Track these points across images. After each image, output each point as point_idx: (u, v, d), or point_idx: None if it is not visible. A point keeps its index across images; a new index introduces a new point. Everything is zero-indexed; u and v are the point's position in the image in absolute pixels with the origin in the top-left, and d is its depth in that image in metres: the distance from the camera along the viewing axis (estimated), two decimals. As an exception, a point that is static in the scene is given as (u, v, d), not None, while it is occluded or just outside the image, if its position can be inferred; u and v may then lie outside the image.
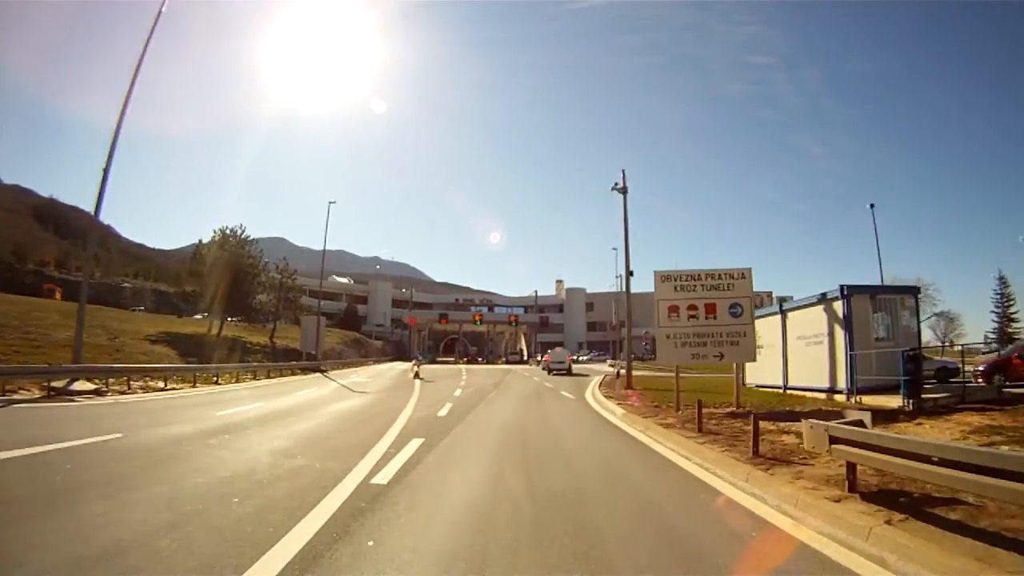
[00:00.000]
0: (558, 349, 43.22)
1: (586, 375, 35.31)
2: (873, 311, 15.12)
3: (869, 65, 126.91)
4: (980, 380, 15.52)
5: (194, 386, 19.18)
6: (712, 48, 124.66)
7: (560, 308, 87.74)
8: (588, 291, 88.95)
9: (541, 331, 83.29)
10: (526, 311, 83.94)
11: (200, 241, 38.87)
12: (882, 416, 9.28)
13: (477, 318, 62.95)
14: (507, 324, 66.98)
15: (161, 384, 17.62)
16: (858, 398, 13.28)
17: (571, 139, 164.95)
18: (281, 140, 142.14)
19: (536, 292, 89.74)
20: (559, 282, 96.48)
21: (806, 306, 16.85)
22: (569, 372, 37.57)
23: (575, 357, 62.78)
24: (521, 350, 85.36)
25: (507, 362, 60.35)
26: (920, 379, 11.69)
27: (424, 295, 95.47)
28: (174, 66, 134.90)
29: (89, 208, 16.31)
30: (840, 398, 14.12)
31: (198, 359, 27.43)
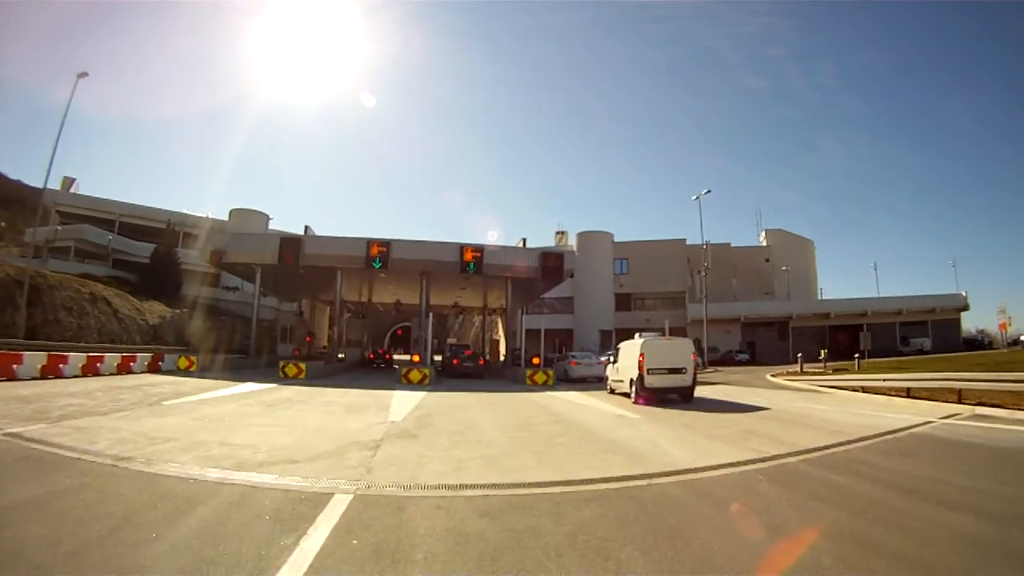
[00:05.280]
0: (647, 335, 15.29)
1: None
2: None
3: (883, 57, 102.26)
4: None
5: None
6: (726, 40, 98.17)
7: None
8: (617, 239, 50.47)
9: (532, 311, 44.31)
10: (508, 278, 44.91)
11: None
12: None
13: (375, 252, 23.58)
14: (457, 279, 28.25)
15: None
16: None
17: (573, 138, 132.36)
18: (264, 133, 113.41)
19: (524, 241, 50.30)
20: (560, 234, 57.56)
21: None
22: (691, 395, 14.09)
23: (590, 356, 28.73)
24: (495, 341, 47.28)
25: (444, 368, 23.32)
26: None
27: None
28: (163, 55, 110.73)
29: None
30: None
31: None
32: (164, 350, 23.42)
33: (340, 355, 32.90)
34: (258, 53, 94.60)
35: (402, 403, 11.93)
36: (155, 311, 31.16)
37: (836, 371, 24.43)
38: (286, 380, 17.56)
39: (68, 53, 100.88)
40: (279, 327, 33.73)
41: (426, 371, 18.81)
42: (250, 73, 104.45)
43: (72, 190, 54.26)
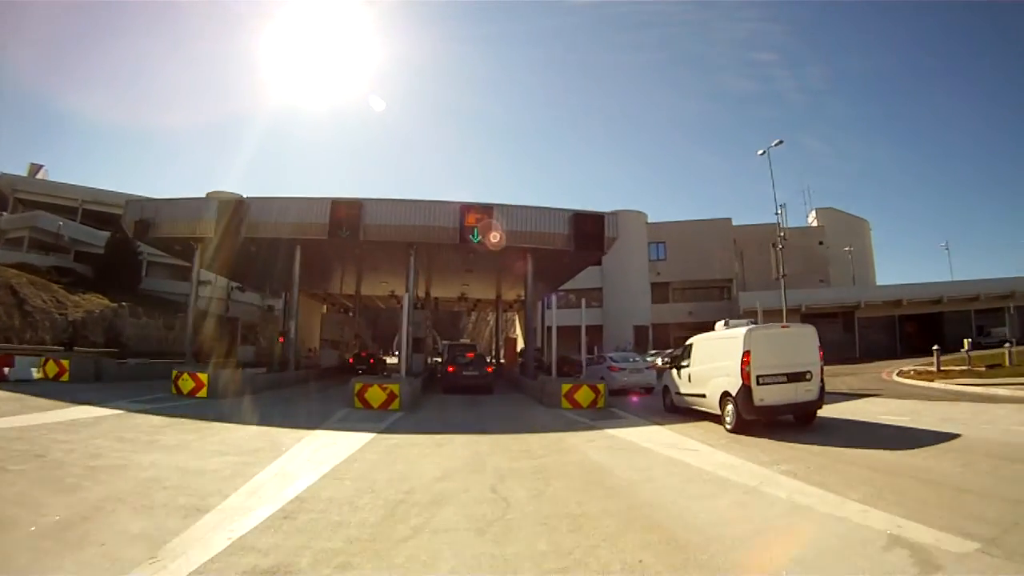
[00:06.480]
0: (736, 324, 9.78)
1: None
2: None
3: (872, 63, 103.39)
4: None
5: None
6: (714, 46, 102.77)
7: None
8: (652, 220, 43.37)
9: (561, 304, 37.23)
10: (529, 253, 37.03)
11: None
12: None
13: (342, 216, 17.16)
14: (460, 256, 21.24)
15: None
16: None
17: (573, 137, 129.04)
18: (274, 137, 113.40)
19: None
20: (583, 219, 50.58)
21: None
22: (814, 414, 9.09)
23: (633, 358, 20.55)
24: (511, 340, 41.02)
25: (441, 377, 16.65)
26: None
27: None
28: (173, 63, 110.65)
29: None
30: None
31: None
32: (13, 350, 17.17)
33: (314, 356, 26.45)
34: (268, 58, 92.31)
35: (265, 495, 4.82)
36: (84, 305, 25.03)
37: (989, 368, 17.23)
38: (176, 399, 11.05)
39: (77, 58, 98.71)
40: (239, 325, 27.34)
41: (394, 387, 11.59)
42: (261, 78, 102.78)
43: (40, 176, 48.98)
